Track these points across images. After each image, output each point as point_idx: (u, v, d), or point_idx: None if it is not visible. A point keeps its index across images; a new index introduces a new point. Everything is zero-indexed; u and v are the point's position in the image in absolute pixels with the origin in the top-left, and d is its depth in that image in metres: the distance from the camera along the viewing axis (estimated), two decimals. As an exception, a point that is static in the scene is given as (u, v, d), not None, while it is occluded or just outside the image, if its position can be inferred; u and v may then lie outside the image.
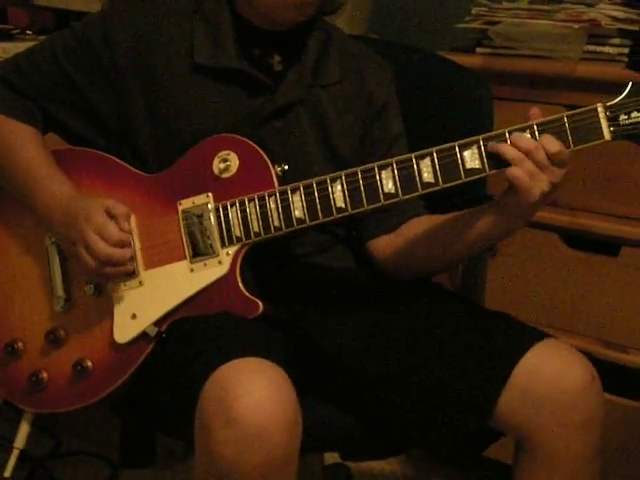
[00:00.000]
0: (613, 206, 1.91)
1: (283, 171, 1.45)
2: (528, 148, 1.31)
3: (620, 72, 1.85)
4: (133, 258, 1.45)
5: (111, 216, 1.43)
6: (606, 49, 1.90)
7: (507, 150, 1.32)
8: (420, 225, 1.53)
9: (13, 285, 1.55)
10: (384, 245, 1.57)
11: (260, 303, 1.41)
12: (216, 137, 1.47)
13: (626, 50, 1.89)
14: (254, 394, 1.24)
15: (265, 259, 1.47)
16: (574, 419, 1.34)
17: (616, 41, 1.90)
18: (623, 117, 1.30)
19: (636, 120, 1.29)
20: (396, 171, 1.37)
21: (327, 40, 1.57)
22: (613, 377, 1.91)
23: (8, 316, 1.55)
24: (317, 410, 1.44)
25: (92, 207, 1.44)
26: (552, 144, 1.31)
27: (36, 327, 1.52)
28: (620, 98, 1.30)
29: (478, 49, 2.04)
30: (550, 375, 1.35)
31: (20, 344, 1.52)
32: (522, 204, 1.34)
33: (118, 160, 1.53)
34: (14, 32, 2.26)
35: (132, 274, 1.46)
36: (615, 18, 1.90)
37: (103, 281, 1.47)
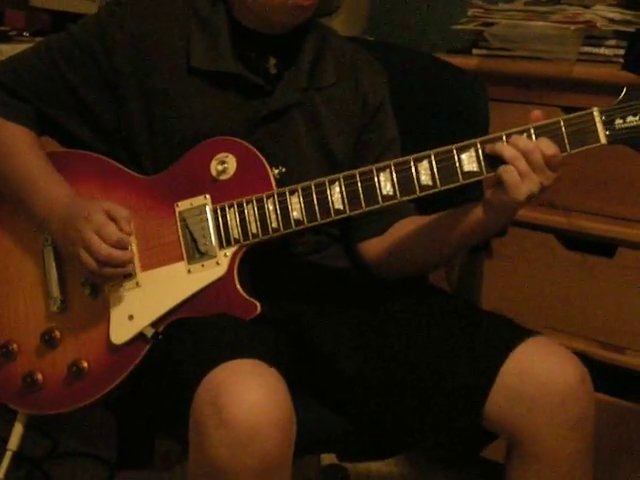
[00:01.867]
0: (609, 207, 1.91)
1: (280, 173, 1.45)
2: (525, 148, 1.31)
3: (616, 73, 1.86)
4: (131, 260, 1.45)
5: (111, 218, 1.43)
6: (602, 50, 1.91)
7: (504, 149, 1.32)
8: (408, 226, 1.54)
9: (8, 286, 1.55)
10: (374, 246, 1.57)
11: (258, 304, 1.42)
12: (213, 140, 1.48)
13: (622, 51, 1.89)
14: (247, 396, 1.24)
15: (261, 259, 1.47)
16: (565, 419, 1.34)
17: (612, 42, 1.90)
18: (619, 121, 1.30)
19: (631, 124, 1.30)
20: (394, 174, 1.38)
21: (322, 43, 1.57)
22: (609, 378, 1.92)
23: (3, 317, 1.54)
24: (312, 411, 1.44)
25: (92, 208, 1.43)
26: (548, 147, 1.31)
27: (31, 328, 1.51)
28: (616, 103, 1.31)
29: (474, 50, 2.05)
30: (540, 374, 1.35)
31: (15, 345, 1.52)
32: (508, 202, 1.34)
33: (115, 162, 1.53)
34: (11, 34, 2.26)
35: (129, 275, 1.46)
36: (611, 20, 1.90)
37: (100, 282, 1.47)
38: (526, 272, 2.02)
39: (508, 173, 1.31)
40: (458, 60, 1.87)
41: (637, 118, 1.29)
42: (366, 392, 1.42)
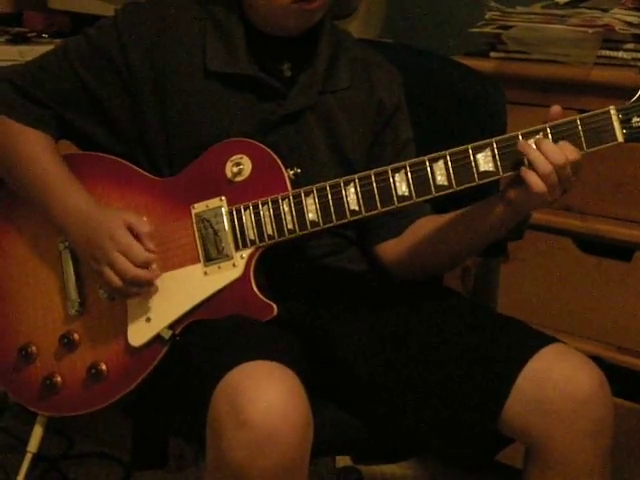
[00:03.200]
0: (626, 211, 1.91)
1: (296, 174, 1.45)
2: (558, 163, 1.31)
3: (634, 77, 1.85)
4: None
5: (134, 234, 1.44)
6: (620, 54, 1.90)
7: (539, 162, 1.31)
8: (425, 225, 1.54)
9: (27, 289, 1.56)
10: (391, 248, 1.58)
11: (275, 306, 1.42)
12: (228, 141, 1.48)
13: (640, 55, 1.89)
14: (265, 397, 1.24)
15: (277, 261, 1.48)
16: (584, 426, 1.33)
17: (630, 46, 1.89)
18: (636, 119, 1.31)
19: None
20: (409, 174, 1.38)
21: (337, 46, 1.57)
22: (626, 382, 1.91)
23: (22, 320, 1.55)
24: (329, 414, 1.45)
25: (114, 224, 1.44)
26: (572, 152, 1.32)
27: (50, 331, 1.52)
28: (633, 100, 1.31)
29: (492, 53, 2.04)
30: (558, 381, 1.34)
31: (34, 348, 1.52)
32: (529, 205, 1.36)
33: (131, 165, 1.54)
34: (30, 35, 2.28)
35: None
36: (629, 23, 1.89)
37: (121, 297, 1.47)
38: (542, 275, 2.02)
39: (534, 179, 1.31)
40: (475, 63, 1.87)
41: None
42: (381, 396, 1.42)
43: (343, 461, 2.03)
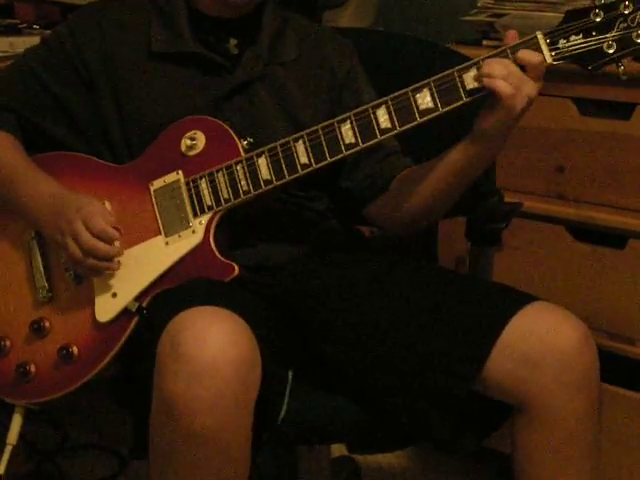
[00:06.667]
0: (620, 199, 1.91)
1: (249, 144, 1.49)
2: (511, 66, 1.37)
3: (626, 64, 1.85)
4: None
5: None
6: (612, 41, 1.90)
7: (495, 66, 1.37)
8: (408, 175, 1.58)
9: None
10: (382, 206, 1.60)
11: (236, 266, 1.45)
12: (181, 120, 1.53)
13: (633, 42, 1.88)
14: (205, 332, 1.27)
15: (248, 232, 1.53)
16: (571, 378, 1.34)
17: (623, 33, 1.89)
18: (562, 41, 1.38)
19: (575, 43, 1.38)
20: (354, 122, 1.43)
21: (284, 22, 1.63)
22: (619, 369, 1.92)
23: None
24: (318, 399, 1.46)
25: (84, 201, 1.49)
26: (532, 56, 1.37)
27: (21, 320, 1.55)
28: (557, 26, 1.39)
29: (485, 42, 2.04)
30: (544, 334, 1.35)
31: (7, 342, 1.55)
32: (503, 121, 1.39)
33: (91, 157, 1.59)
34: (21, 26, 2.27)
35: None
36: (622, 10, 1.89)
37: (84, 273, 1.51)
38: (536, 263, 2.02)
39: (501, 83, 1.36)
40: (469, 51, 1.86)
41: (580, 36, 1.38)
42: (360, 364, 1.43)
43: (339, 450, 2.03)
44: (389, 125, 1.42)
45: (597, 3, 1.37)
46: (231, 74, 1.57)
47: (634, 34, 1.37)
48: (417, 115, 1.41)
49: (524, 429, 1.38)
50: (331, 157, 1.44)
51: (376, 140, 1.43)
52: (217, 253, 1.46)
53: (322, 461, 1.82)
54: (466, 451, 1.43)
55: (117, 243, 1.48)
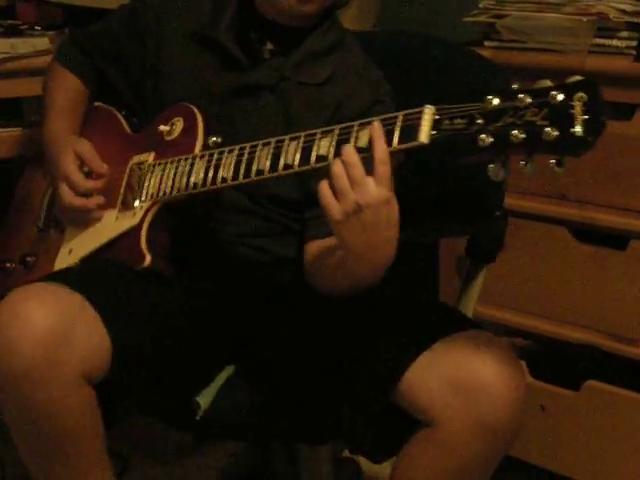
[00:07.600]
0: (621, 199, 1.91)
1: (216, 143, 1.50)
2: (348, 161, 1.25)
3: (628, 65, 1.85)
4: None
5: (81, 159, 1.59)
6: (614, 42, 1.90)
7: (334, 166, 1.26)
8: (313, 249, 1.50)
9: (22, 214, 1.78)
10: (312, 251, 1.51)
11: (148, 257, 1.48)
12: (177, 104, 1.58)
13: (634, 43, 1.88)
14: (19, 306, 1.32)
15: (198, 234, 1.55)
16: (486, 420, 1.29)
17: (624, 34, 1.89)
18: (447, 122, 1.19)
19: (454, 127, 1.18)
20: (301, 143, 1.34)
21: (333, 46, 1.58)
22: (621, 370, 1.92)
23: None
24: (253, 398, 1.51)
25: (65, 154, 1.59)
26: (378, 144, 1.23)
27: (18, 248, 1.72)
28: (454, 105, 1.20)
29: (486, 43, 2.05)
30: (476, 365, 1.30)
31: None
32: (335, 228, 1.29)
33: (121, 120, 1.70)
34: (23, 27, 2.27)
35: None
36: (623, 11, 1.89)
37: (61, 216, 1.64)
38: (538, 264, 2.02)
39: (322, 190, 1.27)
40: (469, 52, 1.87)
41: (464, 121, 1.16)
42: (290, 377, 1.47)
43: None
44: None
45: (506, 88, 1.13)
46: (244, 72, 1.56)
47: (513, 133, 1.09)
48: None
49: (420, 442, 1.34)
50: (244, 178, 1.39)
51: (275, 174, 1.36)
52: (142, 240, 1.49)
53: (324, 462, 1.83)
54: (381, 461, 1.44)
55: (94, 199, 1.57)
